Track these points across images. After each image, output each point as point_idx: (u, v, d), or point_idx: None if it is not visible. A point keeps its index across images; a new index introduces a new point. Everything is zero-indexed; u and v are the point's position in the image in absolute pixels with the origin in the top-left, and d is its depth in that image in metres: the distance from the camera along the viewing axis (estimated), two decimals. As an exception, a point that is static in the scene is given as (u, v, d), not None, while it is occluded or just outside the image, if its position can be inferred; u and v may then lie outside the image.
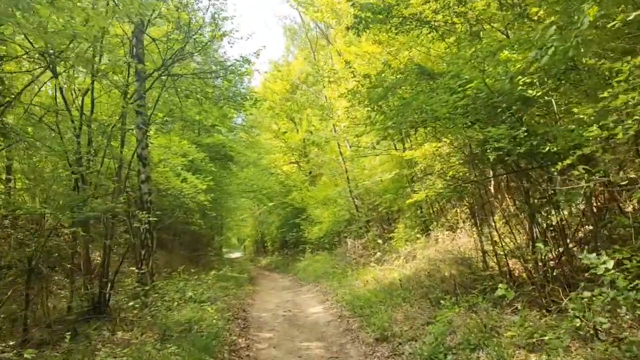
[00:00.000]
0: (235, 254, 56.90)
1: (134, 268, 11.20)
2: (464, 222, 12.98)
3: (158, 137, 14.73)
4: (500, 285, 6.40)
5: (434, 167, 12.72)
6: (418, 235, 14.40)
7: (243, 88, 13.98)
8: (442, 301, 9.34)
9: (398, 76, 9.29)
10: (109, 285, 9.87)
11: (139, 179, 11.57)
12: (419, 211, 15.28)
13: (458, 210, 13.25)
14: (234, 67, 12.84)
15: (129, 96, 10.42)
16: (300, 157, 32.49)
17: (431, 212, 14.76)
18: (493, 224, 9.72)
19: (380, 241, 15.57)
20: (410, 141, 15.91)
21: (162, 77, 12.17)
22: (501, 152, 6.51)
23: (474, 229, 11.97)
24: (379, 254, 15.09)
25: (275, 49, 71.35)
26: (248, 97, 14.02)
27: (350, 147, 21.72)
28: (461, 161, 10.22)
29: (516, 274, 9.13)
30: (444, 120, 7.22)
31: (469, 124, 7.11)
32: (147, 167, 11.58)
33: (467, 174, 10.33)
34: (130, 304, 9.92)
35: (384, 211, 18.10)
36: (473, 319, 7.22)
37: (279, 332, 10.02)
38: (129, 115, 11.03)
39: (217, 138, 18.21)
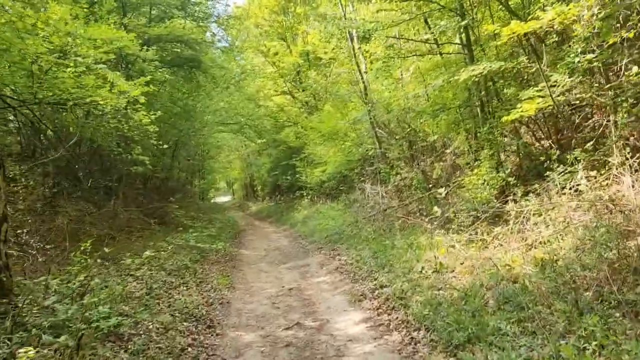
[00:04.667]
0: (225, 198, 50.83)
1: None
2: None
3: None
4: None
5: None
6: (510, 180, 7.82)
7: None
8: None
9: None
10: None
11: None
12: (506, 139, 8.66)
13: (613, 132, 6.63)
14: None
15: None
16: (293, 85, 25.25)
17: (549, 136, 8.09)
18: None
19: (441, 190, 8.92)
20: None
21: None
22: None
23: None
24: (437, 210, 8.53)
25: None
26: None
27: (366, 59, 14.75)
28: None
29: None
30: None
31: None
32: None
33: None
34: None
35: (432, 142, 11.52)
36: None
37: None
38: None
39: (174, 26, 10.86)
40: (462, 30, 9.58)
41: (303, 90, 23.49)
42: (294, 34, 24.37)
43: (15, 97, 7.73)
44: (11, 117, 9.15)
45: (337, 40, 14.39)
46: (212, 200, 37.40)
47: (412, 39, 10.56)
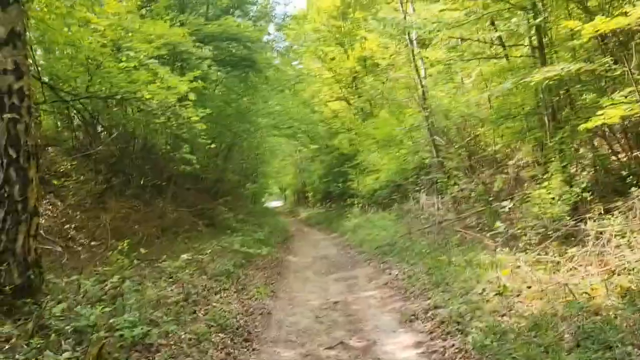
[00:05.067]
0: (276, 203, 50.82)
1: None
2: None
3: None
4: None
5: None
6: (586, 195, 6.97)
7: None
8: None
9: None
10: None
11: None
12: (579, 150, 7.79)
13: None
14: None
15: None
16: (349, 91, 24.73)
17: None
18: None
19: (505, 204, 8.13)
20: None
21: None
22: None
23: None
24: (500, 226, 7.75)
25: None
26: None
27: (425, 63, 13.99)
28: None
29: None
30: None
31: None
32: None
33: None
34: None
35: (494, 152, 10.69)
36: None
37: None
38: None
39: (228, 24, 10.58)
40: (533, 30, 8.78)
41: (359, 97, 22.95)
42: (352, 39, 23.91)
43: (69, 91, 7.66)
44: (68, 112, 9.14)
45: (397, 42, 13.75)
46: (264, 205, 37.39)
47: (477, 39, 9.79)
